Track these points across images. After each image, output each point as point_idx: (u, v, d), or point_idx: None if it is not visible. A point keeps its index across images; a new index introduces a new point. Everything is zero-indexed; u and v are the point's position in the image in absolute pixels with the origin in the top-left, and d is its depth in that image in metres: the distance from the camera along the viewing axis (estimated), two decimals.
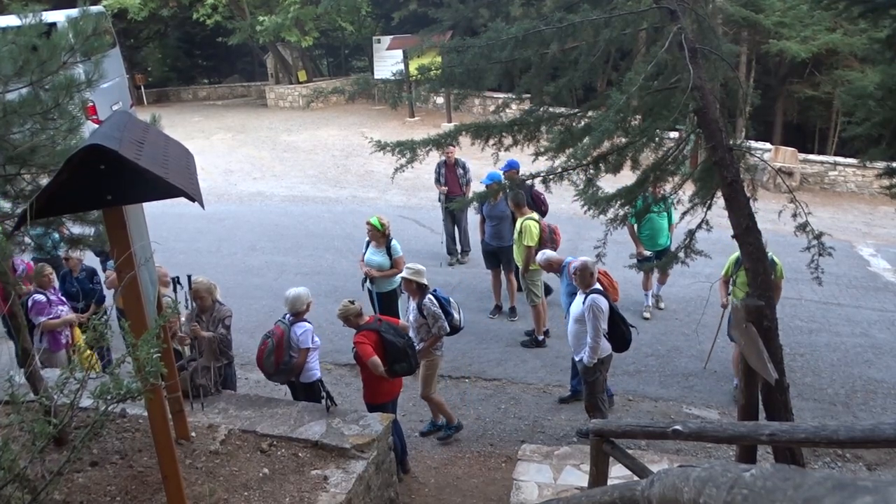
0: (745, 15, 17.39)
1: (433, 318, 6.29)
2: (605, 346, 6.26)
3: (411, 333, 6.28)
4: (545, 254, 7.21)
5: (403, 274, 6.53)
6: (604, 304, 6.14)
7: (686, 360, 8.06)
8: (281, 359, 5.99)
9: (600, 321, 6.09)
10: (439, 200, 10.38)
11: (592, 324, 6.08)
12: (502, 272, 8.96)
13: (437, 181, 10.27)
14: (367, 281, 7.79)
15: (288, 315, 6.13)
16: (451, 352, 7.92)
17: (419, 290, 6.39)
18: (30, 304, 6.45)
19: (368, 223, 7.75)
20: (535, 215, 8.11)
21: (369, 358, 5.65)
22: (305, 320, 6.11)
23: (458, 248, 10.48)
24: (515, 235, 8.18)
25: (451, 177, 10.05)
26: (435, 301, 6.35)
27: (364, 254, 7.92)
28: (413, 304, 6.48)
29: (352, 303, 5.95)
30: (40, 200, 3.09)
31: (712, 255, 6.00)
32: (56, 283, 6.99)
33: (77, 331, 6.87)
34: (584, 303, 6.18)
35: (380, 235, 7.69)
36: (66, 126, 4.34)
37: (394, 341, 5.78)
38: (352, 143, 18.13)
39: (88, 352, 5.15)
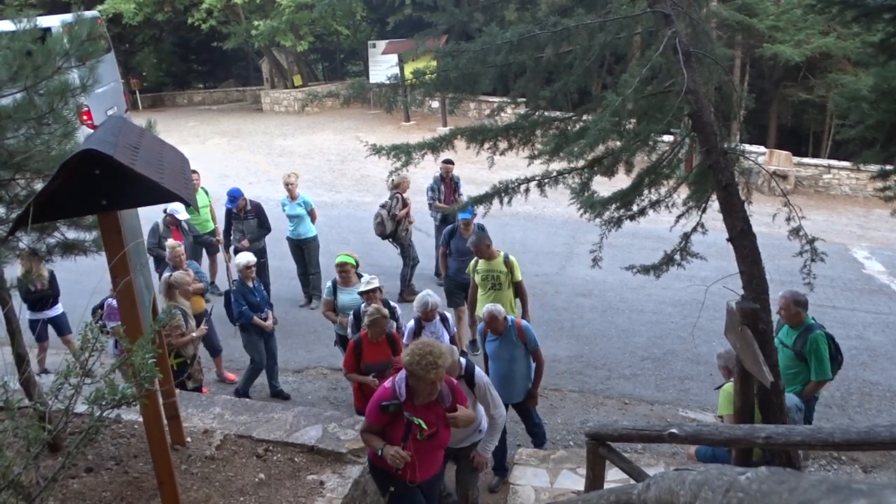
0: (740, 19, 17.51)
1: (392, 312, 6.55)
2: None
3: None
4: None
5: (364, 288, 6.51)
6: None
7: (682, 363, 8.07)
8: None
9: None
10: (436, 222, 9.89)
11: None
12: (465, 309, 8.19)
13: (438, 199, 9.79)
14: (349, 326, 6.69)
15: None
16: None
17: (377, 292, 6.57)
18: (105, 308, 6.44)
19: (343, 263, 7.06)
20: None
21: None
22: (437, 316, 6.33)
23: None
24: (480, 279, 7.34)
25: (448, 191, 9.81)
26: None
27: (332, 301, 7.11)
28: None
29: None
30: (35, 206, 3.09)
31: (708, 258, 6.01)
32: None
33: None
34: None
35: (354, 271, 7.14)
36: (60, 131, 4.33)
37: None
38: (347, 147, 18.14)
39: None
